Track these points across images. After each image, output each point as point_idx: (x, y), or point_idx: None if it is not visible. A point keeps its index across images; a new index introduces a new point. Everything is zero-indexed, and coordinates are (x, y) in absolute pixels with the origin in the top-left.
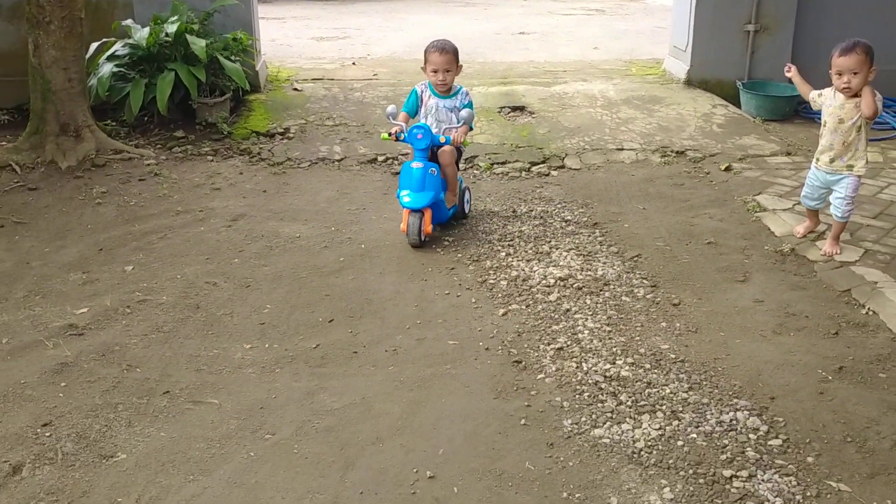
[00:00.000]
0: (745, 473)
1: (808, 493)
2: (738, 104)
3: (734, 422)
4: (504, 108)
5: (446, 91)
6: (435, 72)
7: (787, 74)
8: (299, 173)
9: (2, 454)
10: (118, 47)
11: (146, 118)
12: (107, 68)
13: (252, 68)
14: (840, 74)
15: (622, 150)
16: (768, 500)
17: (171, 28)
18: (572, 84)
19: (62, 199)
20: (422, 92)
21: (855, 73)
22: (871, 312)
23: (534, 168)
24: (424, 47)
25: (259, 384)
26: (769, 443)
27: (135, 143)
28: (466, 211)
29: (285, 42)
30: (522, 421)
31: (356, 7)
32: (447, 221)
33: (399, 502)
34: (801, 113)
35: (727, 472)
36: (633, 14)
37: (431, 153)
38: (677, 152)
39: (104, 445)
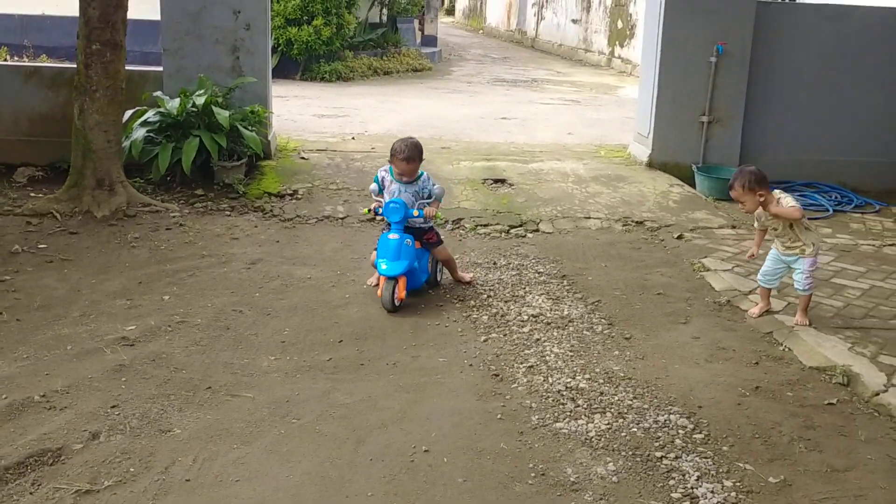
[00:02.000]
0: (672, 455)
1: (721, 470)
2: (693, 184)
3: (667, 421)
4: (487, 180)
5: (410, 177)
6: (400, 173)
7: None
8: (307, 228)
9: (82, 425)
10: (150, 115)
11: (169, 178)
12: (140, 132)
13: (265, 137)
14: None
15: (589, 218)
16: (689, 473)
17: (199, 100)
18: (547, 162)
19: (100, 242)
20: (382, 178)
21: (742, 203)
22: (787, 349)
23: (512, 230)
24: (392, 146)
25: (284, 385)
26: (693, 436)
27: (160, 199)
28: (439, 279)
29: (290, 118)
30: (499, 416)
31: (352, 90)
32: (419, 288)
33: (401, 466)
34: None
35: (658, 454)
36: (605, 105)
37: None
38: (637, 222)
39: (162, 423)
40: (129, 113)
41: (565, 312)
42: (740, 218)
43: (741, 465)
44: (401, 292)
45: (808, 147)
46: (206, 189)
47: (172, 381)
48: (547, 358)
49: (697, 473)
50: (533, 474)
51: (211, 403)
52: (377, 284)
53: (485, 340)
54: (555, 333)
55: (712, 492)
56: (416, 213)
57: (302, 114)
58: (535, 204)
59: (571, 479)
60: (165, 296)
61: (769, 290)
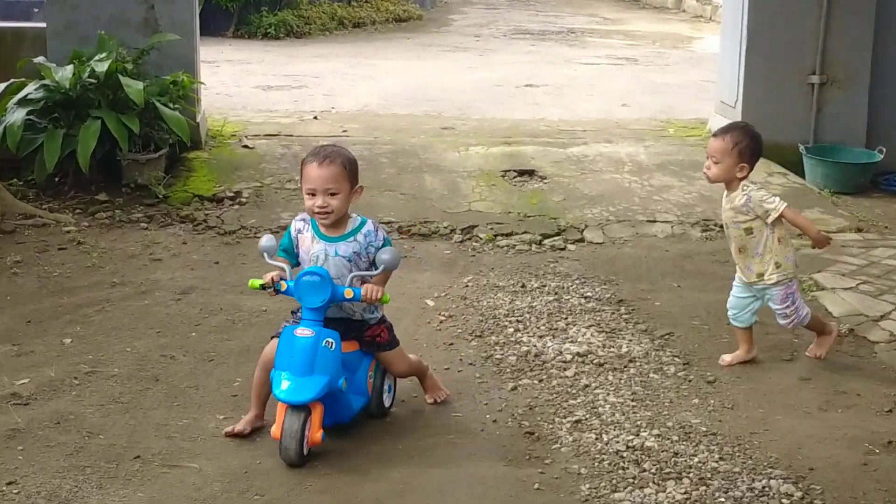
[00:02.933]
0: None
1: None
2: (800, 172)
3: (766, 488)
4: (508, 171)
5: (337, 228)
6: (312, 194)
7: None
8: (256, 244)
9: None
10: (31, 89)
11: (58, 178)
12: (17, 115)
13: (193, 118)
14: (707, 157)
15: (655, 222)
16: None
17: (101, 67)
18: (593, 146)
19: None
20: (297, 233)
21: (716, 162)
22: None
23: (546, 241)
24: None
25: (240, 451)
26: None
27: (47, 208)
28: (387, 404)
29: (223, 91)
30: (536, 485)
31: (310, 50)
32: (351, 420)
33: None
34: (882, 185)
35: None
36: (674, 64)
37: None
38: (722, 227)
39: None
40: (0, 86)
41: (624, 349)
42: (869, 217)
43: None
44: (314, 432)
45: None
46: (112, 192)
47: (86, 449)
48: (600, 410)
49: None
50: None
51: (142, 478)
52: (256, 428)
53: (513, 388)
54: (610, 377)
55: None
56: (348, 291)
57: (240, 85)
58: (577, 204)
59: None
60: (66, 338)
61: (745, 329)
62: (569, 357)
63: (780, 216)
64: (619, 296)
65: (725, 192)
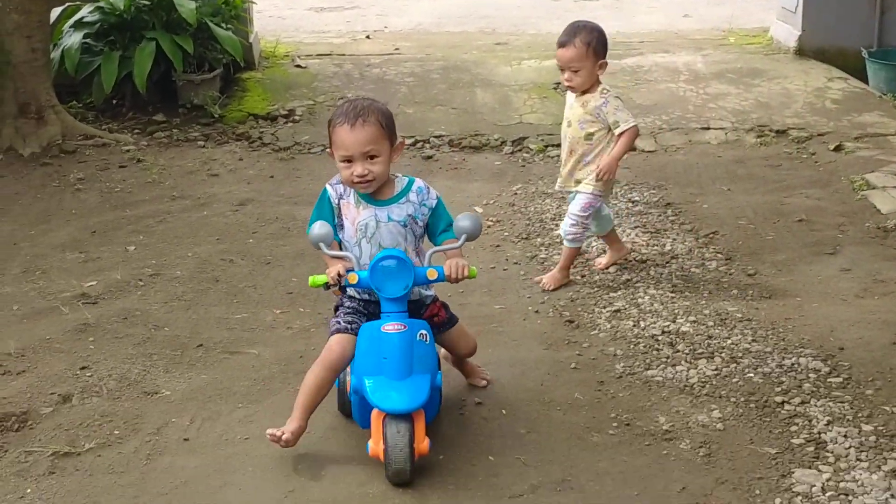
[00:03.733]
0: (797, 400)
1: (860, 415)
2: (862, 77)
3: (796, 365)
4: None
5: (383, 191)
6: (348, 161)
7: None
8: (310, 159)
9: (47, 389)
10: (86, 13)
11: (116, 100)
12: (75, 38)
13: (246, 38)
14: (562, 70)
15: (709, 129)
16: (817, 418)
17: None
18: (649, 56)
19: (32, 186)
20: (339, 198)
21: (576, 71)
22: None
23: None
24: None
25: (295, 340)
26: (829, 380)
27: (107, 129)
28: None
29: (276, 14)
30: (573, 365)
31: None
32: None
33: (448, 422)
34: None
35: (779, 399)
36: None
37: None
38: (777, 132)
39: (146, 385)
40: (57, 11)
41: (667, 248)
42: None
43: (888, 408)
44: (420, 441)
45: None
46: (169, 113)
47: (152, 339)
48: (639, 300)
49: (828, 418)
50: (615, 424)
51: (205, 362)
52: (288, 435)
53: (566, 320)
54: (651, 272)
55: (845, 436)
56: (431, 272)
57: (292, 7)
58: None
59: (664, 428)
60: (130, 246)
61: (607, 231)
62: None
63: (627, 132)
64: (666, 199)
65: (575, 95)
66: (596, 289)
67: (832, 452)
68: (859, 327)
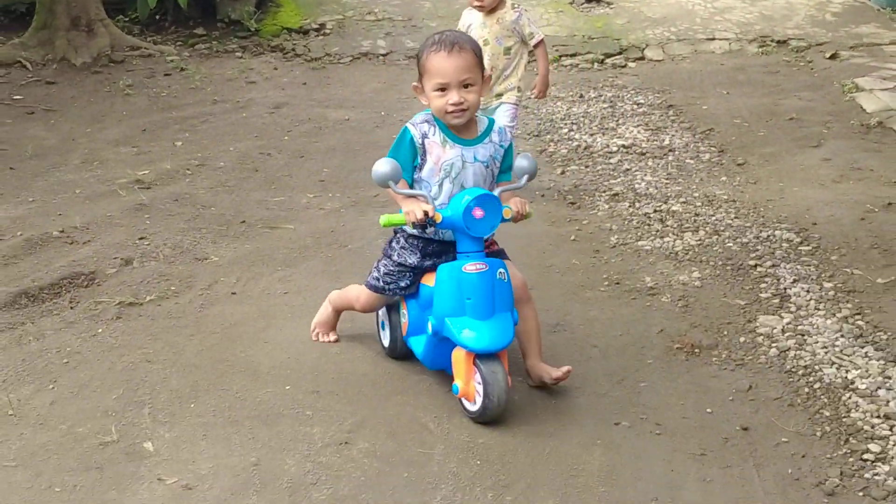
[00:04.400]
0: (769, 264)
1: (823, 275)
2: None
3: (771, 237)
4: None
5: (469, 129)
6: (442, 90)
7: None
8: (340, 68)
9: (111, 254)
10: None
11: (159, 16)
12: None
13: None
14: None
15: (713, 40)
16: (784, 278)
17: None
18: None
19: (86, 91)
20: (422, 138)
21: None
22: None
23: (608, 60)
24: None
25: (327, 218)
26: (799, 248)
27: (150, 41)
28: None
29: None
30: (573, 238)
31: None
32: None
33: None
34: None
35: (752, 262)
36: None
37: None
38: (778, 42)
39: (196, 252)
40: None
41: (666, 142)
42: None
43: (848, 270)
44: (508, 377)
45: None
46: (209, 27)
47: (201, 216)
48: (636, 186)
49: (794, 277)
50: (606, 283)
51: (247, 235)
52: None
53: (562, 173)
54: (649, 163)
55: (807, 291)
56: (507, 211)
57: None
58: (640, 26)
59: (649, 286)
60: (177, 142)
61: None
62: (614, 148)
63: (540, 43)
64: (669, 102)
65: (483, 14)
66: (598, 177)
67: (794, 303)
68: (832, 206)
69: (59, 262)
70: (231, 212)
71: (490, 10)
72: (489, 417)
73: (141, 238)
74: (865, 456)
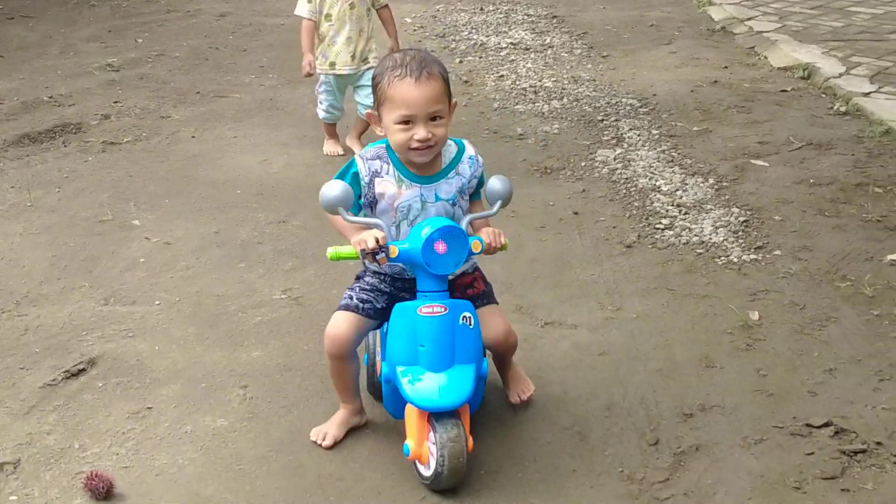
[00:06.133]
0: (612, 119)
1: (653, 126)
2: None
3: (618, 103)
4: None
5: (434, 163)
6: (406, 122)
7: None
8: None
9: (92, 111)
10: None
11: None
12: None
13: None
14: None
15: None
16: (623, 128)
17: None
18: None
19: (57, 3)
20: (371, 175)
21: None
22: (763, 58)
23: None
24: (382, 62)
25: (266, 91)
26: (638, 109)
27: None
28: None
29: None
30: (464, 103)
31: None
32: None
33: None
34: None
35: (600, 118)
36: None
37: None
38: None
39: (161, 112)
40: None
41: (547, 41)
42: None
43: (673, 122)
44: (468, 438)
45: None
46: None
47: (163, 90)
48: (518, 70)
49: (630, 127)
50: (487, 132)
51: (202, 102)
52: (354, 427)
53: (460, 62)
54: (532, 56)
55: (638, 135)
56: (475, 244)
57: None
58: None
59: (519, 133)
60: (138, 39)
61: (334, 125)
62: (504, 45)
63: (386, 6)
64: (554, 13)
65: None
66: (488, 64)
67: (626, 142)
68: (670, 84)
69: (50, 117)
70: (187, 86)
71: None
72: (443, 486)
73: (115, 101)
74: (657, 226)
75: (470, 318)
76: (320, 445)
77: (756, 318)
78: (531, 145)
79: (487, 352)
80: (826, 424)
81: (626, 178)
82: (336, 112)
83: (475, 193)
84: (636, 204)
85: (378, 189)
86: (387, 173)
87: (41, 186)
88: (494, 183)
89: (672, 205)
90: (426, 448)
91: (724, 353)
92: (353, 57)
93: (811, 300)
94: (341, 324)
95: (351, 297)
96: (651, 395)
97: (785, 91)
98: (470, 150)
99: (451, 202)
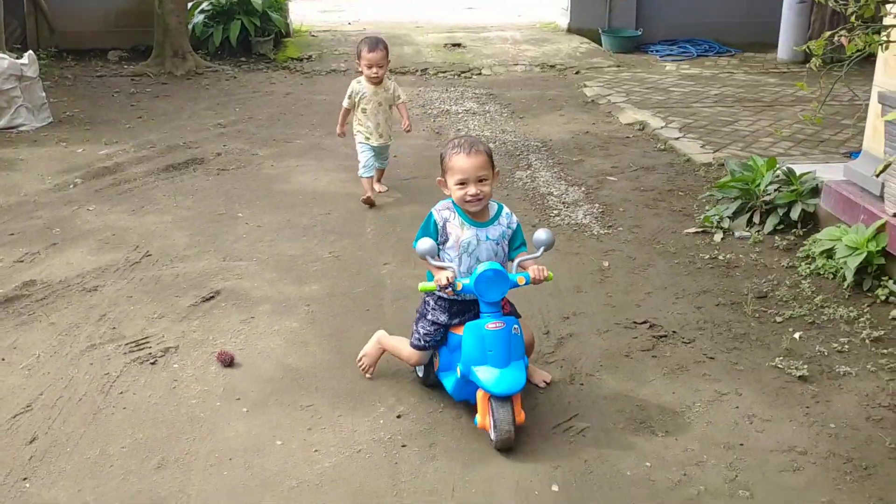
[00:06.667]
0: (525, 153)
1: (550, 158)
2: (600, 43)
3: (528, 145)
4: (447, 44)
5: (482, 214)
6: (462, 183)
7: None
8: (321, 77)
9: (211, 149)
10: (204, 5)
11: (219, 51)
12: (199, 18)
13: (286, 20)
14: (370, 66)
15: (517, 65)
16: (531, 158)
17: None
18: (494, 32)
19: (184, 87)
20: (445, 221)
21: (381, 66)
22: (615, 118)
23: (462, 74)
24: (444, 151)
25: (316, 139)
26: (541, 148)
27: (217, 63)
28: None
29: (300, 12)
30: (436, 144)
31: None
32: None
33: None
34: (643, 48)
35: (518, 153)
36: None
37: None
38: (550, 66)
39: (252, 152)
40: (189, 4)
41: (486, 108)
42: (621, 62)
43: (561, 155)
44: (520, 413)
45: (690, 12)
46: (247, 57)
47: (252, 138)
48: (469, 124)
49: (535, 158)
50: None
51: (277, 145)
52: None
53: (433, 120)
54: (477, 117)
55: (540, 163)
56: (521, 279)
57: (307, 10)
58: (480, 58)
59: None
60: (237, 108)
61: (370, 178)
62: (460, 111)
63: (404, 102)
64: (491, 93)
65: (375, 86)
66: (451, 122)
67: (533, 167)
68: (560, 133)
69: (184, 155)
70: (267, 136)
71: (378, 82)
72: (501, 446)
73: (223, 145)
74: (551, 215)
75: (518, 329)
76: (362, 370)
77: (606, 265)
78: None
79: None
80: (644, 322)
81: (533, 188)
82: (370, 171)
83: (514, 239)
84: (538, 203)
85: (449, 230)
86: (454, 219)
87: (181, 195)
88: (540, 234)
89: (560, 203)
90: (488, 420)
91: (587, 284)
92: (380, 135)
93: (639, 255)
94: (413, 356)
95: (419, 339)
96: (545, 307)
97: (628, 137)
98: (506, 209)
99: (496, 242)
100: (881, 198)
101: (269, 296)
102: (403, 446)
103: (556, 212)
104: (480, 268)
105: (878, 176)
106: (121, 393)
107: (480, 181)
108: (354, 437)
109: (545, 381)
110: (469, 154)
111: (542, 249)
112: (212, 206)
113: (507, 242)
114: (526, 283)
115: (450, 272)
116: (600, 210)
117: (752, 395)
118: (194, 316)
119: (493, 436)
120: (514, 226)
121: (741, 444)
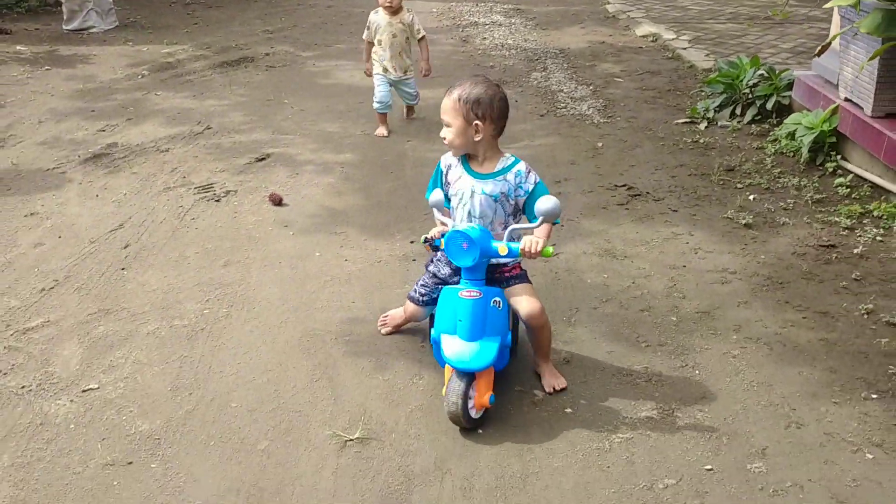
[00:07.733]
0: (543, 59)
1: (566, 63)
2: None
3: (547, 52)
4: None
5: (487, 165)
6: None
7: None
8: None
9: (261, 51)
10: None
11: None
12: None
13: None
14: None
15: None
16: (549, 64)
17: None
18: None
19: (234, 2)
20: (448, 168)
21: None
22: (632, 30)
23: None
24: None
25: (352, 43)
26: (559, 56)
27: None
28: (514, 344)
29: None
30: (462, 51)
31: None
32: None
33: None
34: None
35: (536, 58)
36: None
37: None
38: None
39: (296, 53)
40: None
41: (512, 21)
42: None
43: (576, 61)
44: (481, 395)
45: None
46: None
47: (297, 42)
48: (494, 35)
49: (553, 63)
50: (474, 64)
51: (318, 48)
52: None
53: (462, 31)
54: (502, 28)
55: (557, 67)
56: (502, 248)
57: None
58: None
59: (490, 65)
60: (283, 18)
61: (384, 114)
62: (487, 22)
63: (423, 38)
64: (518, 8)
65: (390, 15)
66: (478, 32)
67: (548, 70)
68: (578, 43)
69: (237, 54)
70: (310, 41)
71: (394, 12)
72: (449, 419)
73: (271, 47)
74: (558, 107)
75: (499, 301)
76: (381, 325)
77: (600, 145)
78: (497, 71)
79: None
80: (624, 185)
81: (546, 86)
82: (385, 105)
83: (527, 207)
84: (549, 98)
85: (449, 178)
86: (456, 167)
87: (235, 85)
88: (541, 202)
89: (568, 98)
90: (445, 389)
91: (581, 158)
92: (395, 68)
93: (630, 139)
94: (408, 308)
95: (414, 290)
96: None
97: (641, 47)
98: (521, 167)
99: (493, 198)
100: (837, 86)
101: (311, 160)
102: (414, 260)
103: (563, 105)
104: (456, 227)
105: (818, 56)
106: (193, 219)
107: (448, 126)
108: (376, 254)
109: (554, 388)
110: (447, 94)
111: (540, 219)
112: (262, 95)
113: (513, 204)
114: (510, 256)
115: (436, 230)
116: (603, 104)
117: (702, 236)
118: (250, 171)
119: (446, 405)
120: (529, 188)
121: (684, 266)
